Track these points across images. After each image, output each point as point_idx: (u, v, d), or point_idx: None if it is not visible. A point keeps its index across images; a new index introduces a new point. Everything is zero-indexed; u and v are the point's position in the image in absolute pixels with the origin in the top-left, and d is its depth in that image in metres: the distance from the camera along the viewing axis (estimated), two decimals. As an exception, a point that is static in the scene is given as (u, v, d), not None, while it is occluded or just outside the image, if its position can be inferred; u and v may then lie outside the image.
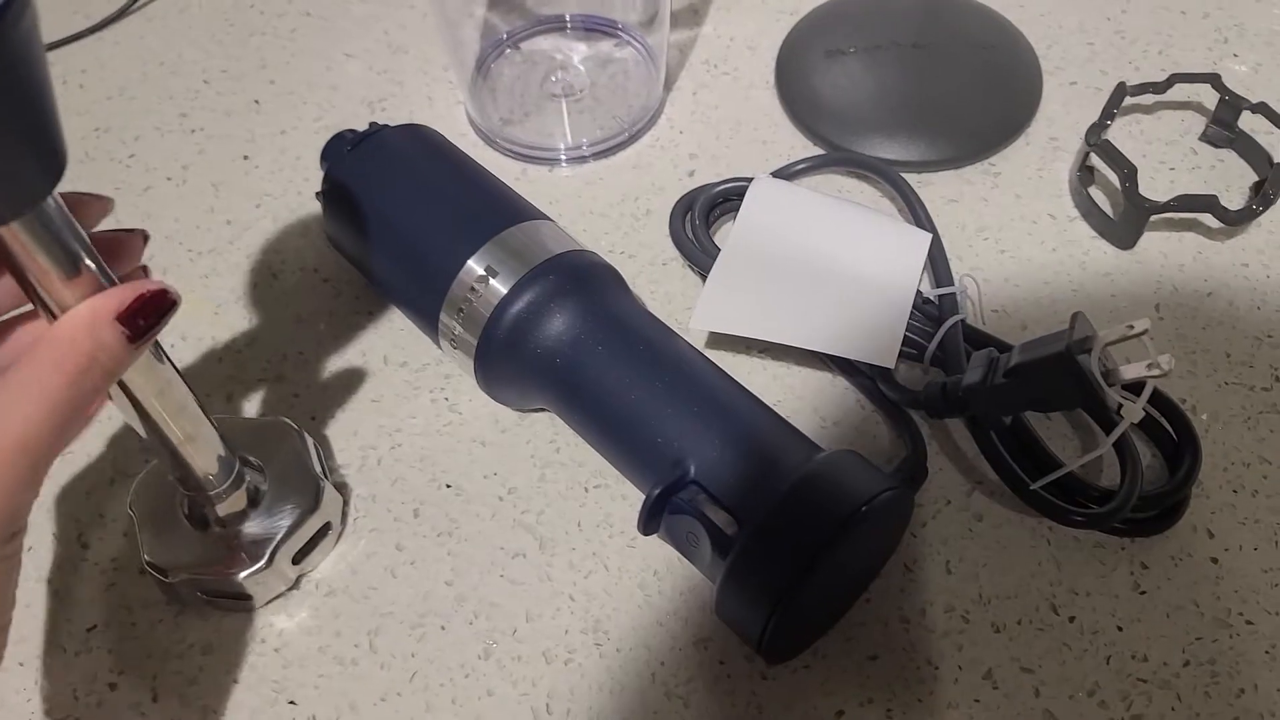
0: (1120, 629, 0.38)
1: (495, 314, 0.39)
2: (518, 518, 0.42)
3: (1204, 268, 0.47)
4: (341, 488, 0.43)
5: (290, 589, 0.40)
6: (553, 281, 0.39)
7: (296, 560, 0.39)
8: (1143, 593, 0.39)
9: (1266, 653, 0.37)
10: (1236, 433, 0.42)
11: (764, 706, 0.37)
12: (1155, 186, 0.49)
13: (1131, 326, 0.35)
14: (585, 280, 0.40)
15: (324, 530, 0.40)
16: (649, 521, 0.36)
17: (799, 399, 0.44)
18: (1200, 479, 0.41)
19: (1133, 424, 0.36)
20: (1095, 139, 0.47)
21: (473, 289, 0.39)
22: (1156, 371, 0.35)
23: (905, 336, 0.43)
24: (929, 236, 0.46)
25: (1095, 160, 0.48)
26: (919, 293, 0.45)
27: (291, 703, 0.38)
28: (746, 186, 0.48)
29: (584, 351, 0.38)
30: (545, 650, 0.39)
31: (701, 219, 0.48)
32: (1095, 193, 0.49)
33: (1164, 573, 0.39)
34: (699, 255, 0.47)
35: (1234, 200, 0.46)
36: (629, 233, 0.50)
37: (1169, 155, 0.51)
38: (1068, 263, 0.47)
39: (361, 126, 0.47)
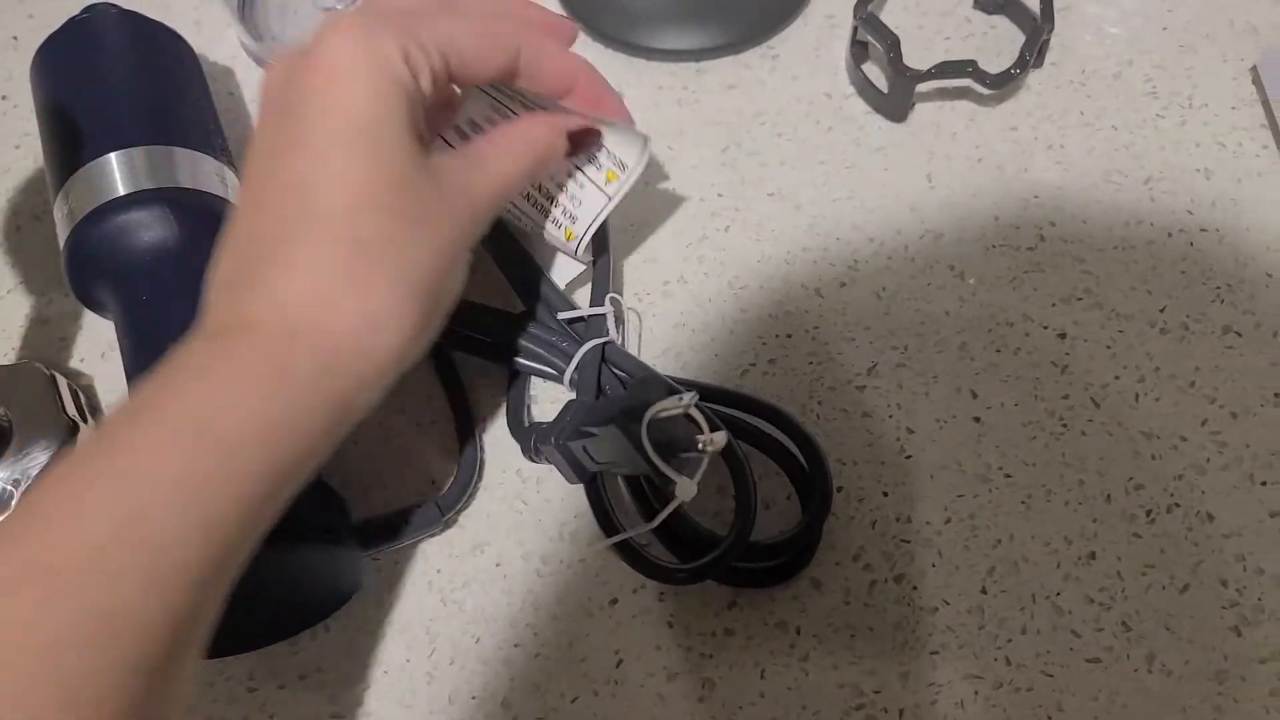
0: (885, 494, 0.39)
1: (92, 214, 0.39)
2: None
3: (975, 134, 0.47)
4: (109, 428, 0.42)
5: (53, 534, 0.39)
6: (161, 211, 0.39)
7: (54, 504, 0.38)
8: (908, 457, 0.40)
9: (1022, 503, 0.38)
10: (1002, 294, 0.43)
11: (539, 603, 0.38)
12: (930, 57, 0.49)
13: (680, 398, 0.34)
14: (194, 225, 0.39)
15: (83, 471, 0.39)
16: None
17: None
18: (965, 341, 0.42)
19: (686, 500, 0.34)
20: (862, 13, 0.47)
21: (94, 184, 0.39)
22: (710, 447, 0.34)
23: (546, 358, 0.40)
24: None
25: (866, 35, 0.48)
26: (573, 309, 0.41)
27: (63, 647, 0.38)
28: None
29: (151, 292, 0.39)
30: (322, 570, 0.39)
31: None
32: (869, 68, 0.49)
33: (928, 436, 0.40)
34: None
35: (1003, 65, 0.46)
36: (406, 145, 0.49)
37: (943, 25, 0.50)
38: (842, 140, 0.47)
39: (125, 56, 0.45)
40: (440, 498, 0.38)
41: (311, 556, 0.34)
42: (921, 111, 0.48)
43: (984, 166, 0.46)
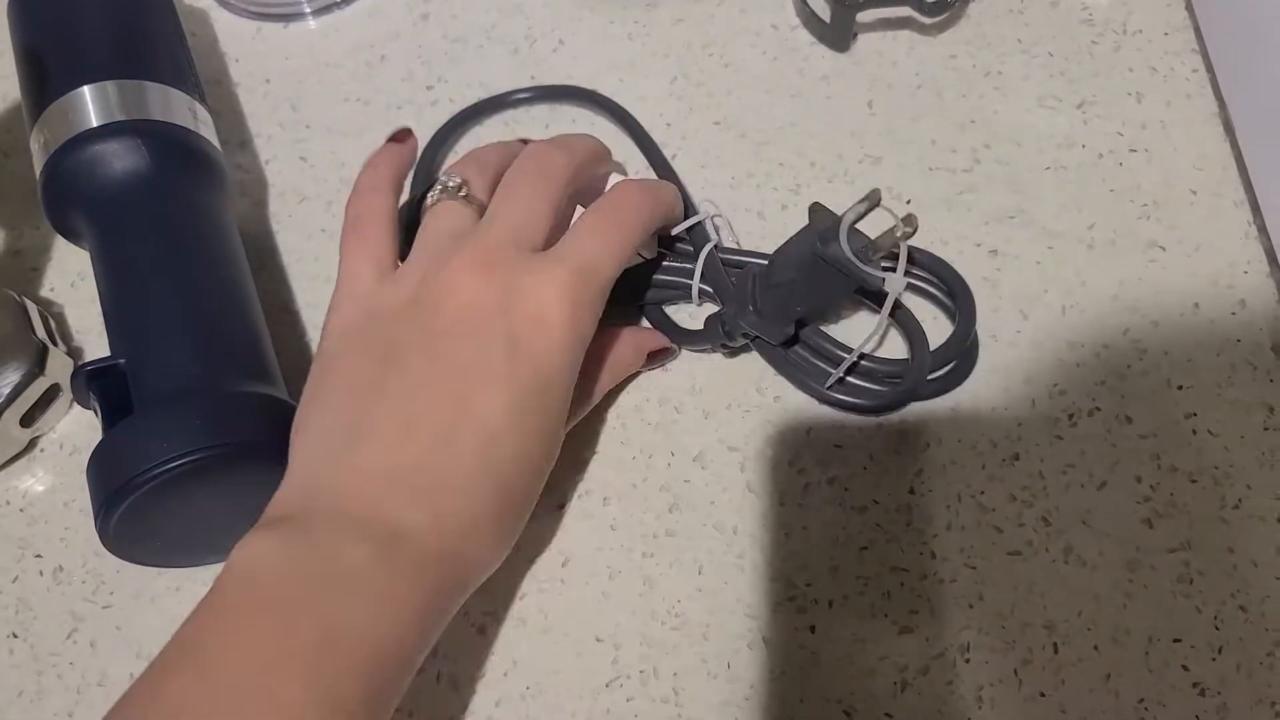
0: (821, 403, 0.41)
1: (67, 144, 0.40)
2: (256, 363, 0.43)
3: (916, 63, 0.48)
4: (78, 352, 0.43)
5: (25, 451, 0.41)
6: (133, 142, 0.40)
7: (26, 423, 0.40)
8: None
9: (951, 409, 0.40)
10: (937, 213, 0.44)
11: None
12: (874, -11, 0.50)
13: (864, 200, 0.34)
14: (165, 156, 0.41)
15: (53, 393, 0.41)
16: (74, 390, 0.39)
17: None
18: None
19: (900, 292, 0.35)
20: (804, -55, 0.48)
21: (68, 116, 0.41)
22: (907, 229, 0.34)
23: (670, 281, 0.42)
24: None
25: (810, -34, 0.49)
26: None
27: (38, 555, 0.40)
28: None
29: (123, 219, 0.40)
30: (284, 482, 0.41)
31: None
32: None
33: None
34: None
35: (944, -6, 0.47)
36: (364, 80, 0.50)
37: (888, -43, 0.51)
38: (787, 70, 0.49)
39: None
40: None
41: (268, 472, 0.35)
42: (865, 41, 0.49)
43: (924, 93, 0.48)
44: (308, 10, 0.53)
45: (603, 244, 0.36)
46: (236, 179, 0.48)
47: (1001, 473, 0.39)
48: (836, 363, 0.39)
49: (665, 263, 0.42)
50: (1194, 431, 0.39)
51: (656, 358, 0.41)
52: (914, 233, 0.33)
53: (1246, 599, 0.36)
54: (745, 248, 0.44)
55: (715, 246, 0.41)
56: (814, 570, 0.38)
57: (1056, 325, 0.42)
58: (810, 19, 0.49)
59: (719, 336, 0.40)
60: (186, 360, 0.37)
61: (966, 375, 0.41)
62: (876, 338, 0.39)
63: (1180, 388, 0.40)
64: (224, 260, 0.41)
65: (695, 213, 0.42)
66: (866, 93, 0.48)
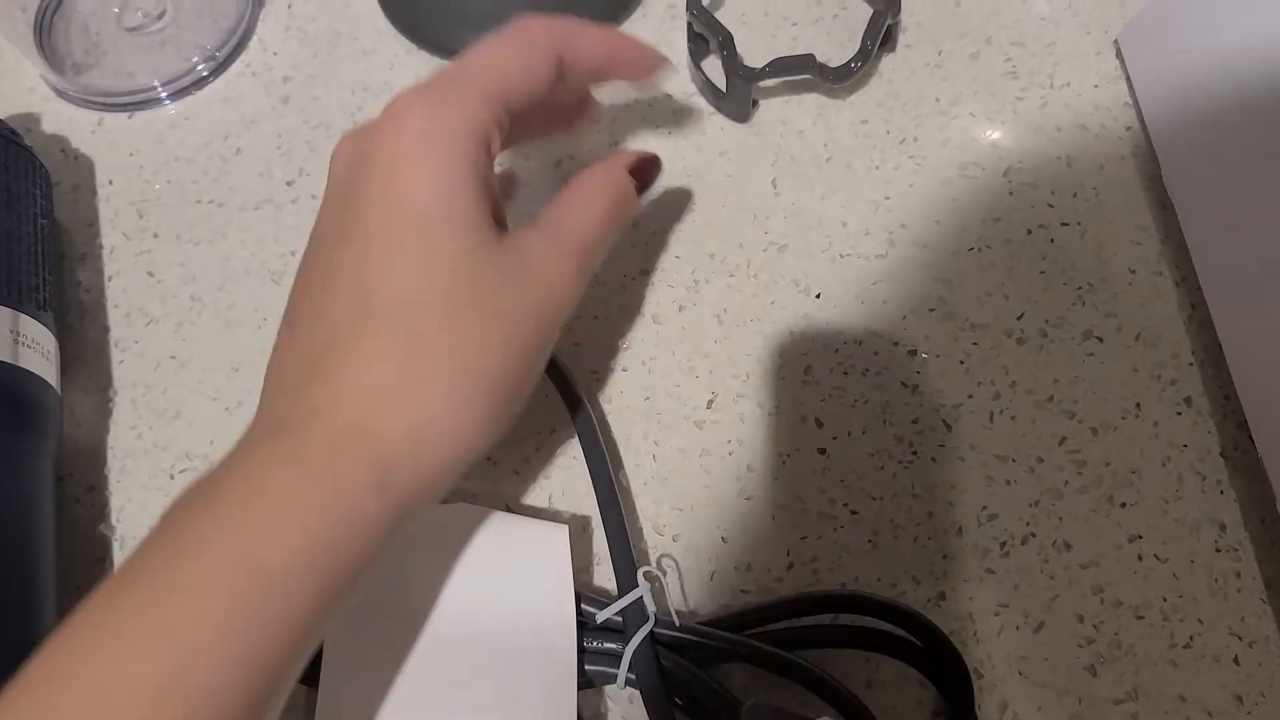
0: (724, 540, 0.36)
1: None
2: (103, 521, 0.39)
3: (824, 131, 0.44)
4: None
5: None
6: None
7: None
8: (748, 499, 0.37)
9: (869, 541, 0.36)
10: (849, 308, 0.40)
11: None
12: (776, 47, 0.46)
13: None
14: None
15: None
16: None
17: None
18: (810, 364, 0.39)
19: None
20: (694, 8, 0.43)
21: None
22: None
23: (586, 664, 0.33)
24: (565, 532, 0.34)
25: (704, 29, 0.44)
26: (593, 612, 0.33)
27: None
28: None
29: None
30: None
31: None
32: (710, 65, 0.45)
33: (770, 473, 0.37)
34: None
35: (850, 53, 0.43)
36: (218, 178, 0.45)
37: (792, 10, 0.47)
38: (683, 146, 0.44)
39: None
40: None
41: None
42: (767, 108, 0.44)
43: (832, 166, 0.43)
44: (163, 95, 0.48)
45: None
46: (76, 299, 0.43)
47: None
48: None
49: (594, 645, 0.33)
50: (1139, 557, 0.35)
51: (644, 175, 0.35)
52: None
53: (1202, 757, 0.32)
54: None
55: (653, 630, 0.33)
56: (718, 745, 0.33)
57: (983, 436, 0.37)
58: (706, 86, 0.44)
59: None
60: None
61: None
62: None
63: (1123, 505, 0.36)
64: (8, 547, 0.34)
65: (632, 583, 0.33)
66: (770, 169, 0.43)
